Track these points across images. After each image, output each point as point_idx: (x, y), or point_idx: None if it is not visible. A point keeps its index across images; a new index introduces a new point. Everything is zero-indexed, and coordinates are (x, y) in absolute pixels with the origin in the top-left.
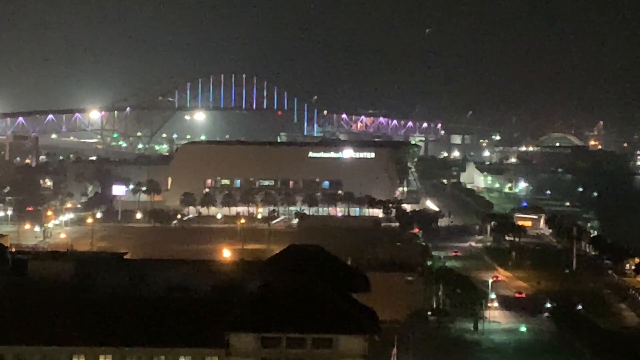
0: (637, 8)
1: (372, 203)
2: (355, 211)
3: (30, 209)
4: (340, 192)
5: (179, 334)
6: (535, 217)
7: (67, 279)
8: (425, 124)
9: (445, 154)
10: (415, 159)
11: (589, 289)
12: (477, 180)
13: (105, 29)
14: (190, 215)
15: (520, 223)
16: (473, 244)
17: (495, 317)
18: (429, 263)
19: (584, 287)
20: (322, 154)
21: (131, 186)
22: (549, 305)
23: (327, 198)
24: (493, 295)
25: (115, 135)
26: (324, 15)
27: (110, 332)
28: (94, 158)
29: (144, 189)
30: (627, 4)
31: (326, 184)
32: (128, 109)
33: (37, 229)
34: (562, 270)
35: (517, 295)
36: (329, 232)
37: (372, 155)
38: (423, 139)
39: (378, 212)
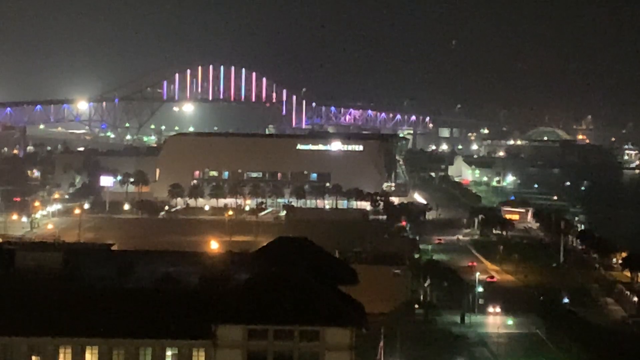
0: (625, 5)
1: (360, 196)
2: (343, 204)
3: (18, 199)
4: (328, 184)
5: (167, 325)
6: (522, 210)
7: (54, 270)
8: (413, 117)
9: (434, 147)
10: (404, 152)
11: (576, 282)
12: (465, 173)
13: (94, 20)
14: (178, 207)
15: (507, 216)
16: (461, 237)
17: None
18: (417, 256)
19: (571, 281)
20: (310, 147)
21: (119, 177)
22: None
23: (315, 190)
24: (480, 289)
25: (103, 126)
26: (314, 7)
27: (97, 323)
28: (82, 149)
29: (132, 180)
30: (615, 2)
31: (314, 176)
32: (116, 100)
33: (24, 219)
34: (550, 264)
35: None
36: (317, 225)
37: (361, 147)
38: (411, 132)
39: (366, 205)
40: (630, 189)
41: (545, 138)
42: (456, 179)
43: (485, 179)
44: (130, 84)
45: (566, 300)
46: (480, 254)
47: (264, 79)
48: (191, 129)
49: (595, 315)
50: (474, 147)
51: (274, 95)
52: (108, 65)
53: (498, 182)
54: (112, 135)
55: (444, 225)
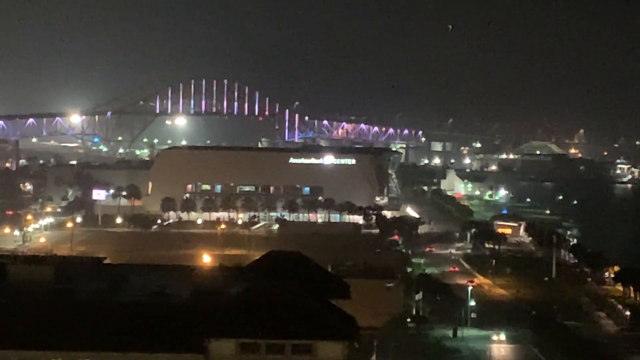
0: (619, 18)
1: (353, 209)
2: (335, 217)
3: (10, 212)
4: (320, 198)
5: (158, 339)
6: (515, 224)
7: (46, 284)
8: (406, 131)
9: (426, 161)
10: (396, 166)
11: (568, 297)
12: (457, 187)
13: (87, 33)
14: (171, 220)
15: (500, 230)
16: (453, 250)
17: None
18: (409, 270)
19: (564, 295)
20: (303, 160)
21: (111, 191)
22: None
23: (307, 204)
24: (473, 303)
25: (96, 139)
26: (306, 22)
27: (88, 337)
28: (74, 162)
29: (124, 193)
30: (610, 14)
31: (307, 190)
32: (109, 113)
33: (16, 233)
34: (542, 278)
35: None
36: (309, 238)
37: (353, 161)
38: (404, 145)
39: (358, 219)
40: (623, 203)
41: (538, 152)
42: (449, 193)
43: (477, 192)
44: (123, 98)
45: (559, 314)
46: (472, 268)
47: (257, 93)
48: (184, 143)
49: (588, 330)
50: (467, 161)
51: (267, 109)
52: (101, 78)
53: (490, 196)
54: (105, 149)
55: (437, 239)
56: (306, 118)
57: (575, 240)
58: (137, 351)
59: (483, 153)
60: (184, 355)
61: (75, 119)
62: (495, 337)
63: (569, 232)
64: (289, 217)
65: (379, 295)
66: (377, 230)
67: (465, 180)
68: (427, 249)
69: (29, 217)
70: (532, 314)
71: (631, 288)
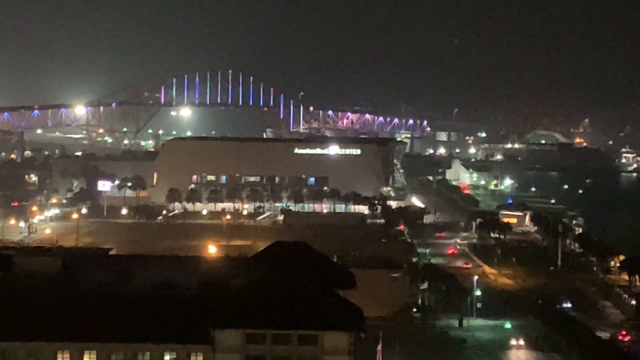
0: (622, 9)
1: (358, 200)
2: (341, 208)
3: (15, 204)
4: (326, 188)
5: (165, 330)
6: (520, 214)
7: (52, 275)
8: (411, 121)
9: (431, 151)
10: (401, 156)
11: (574, 286)
12: (462, 177)
13: (92, 24)
14: (176, 211)
15: (505, 220)
16: (459, 240)
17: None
18: (414, 260)
19: (569, 284)
20: (308, 151)
21: (117, 182)
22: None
23: (313, 194)
24: (478, 292)
25: (100, 130)
26: (311, 12)
27: (95, 328)
28: (79, 153)
29: (129, 184)
30: (617, 3)
31: (312, 180)
32: (114, 104)
33: (22, 224)
34: (548, 268)
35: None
36: (315, 229)
37: (358, 151)
38: (409, 135)
39: (364, 209)
40: (628, 192)
41: (543, 141)
42: (454, 183)
43: (483, 182)
44: (128, 89)
45: (568, 304)
46: (478, 258)
47: (262, 84)
48: (189, 134)
49: (594, 319)
50: (472, 150)
51: (272, 99)
52: (106, 70)
53: (496, 185)
54: (110, 140)
55: (442, 229)
56: (311, 108)
57: (580, 230)
58: (143, 342)
59: (488, 142)
60: (191, 346)
61: (80, 110)
62: (500, 327)
63: (574, 222)
64: (294, 207)
65: (385, 285)
66: (382, 221)
67: (471, 170)
68: (437, 235)
69: (35, 208)
70: (538, 303)
71: (637, 277)
